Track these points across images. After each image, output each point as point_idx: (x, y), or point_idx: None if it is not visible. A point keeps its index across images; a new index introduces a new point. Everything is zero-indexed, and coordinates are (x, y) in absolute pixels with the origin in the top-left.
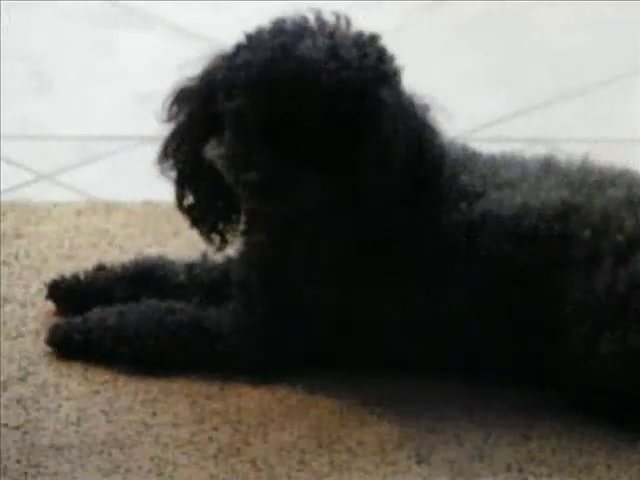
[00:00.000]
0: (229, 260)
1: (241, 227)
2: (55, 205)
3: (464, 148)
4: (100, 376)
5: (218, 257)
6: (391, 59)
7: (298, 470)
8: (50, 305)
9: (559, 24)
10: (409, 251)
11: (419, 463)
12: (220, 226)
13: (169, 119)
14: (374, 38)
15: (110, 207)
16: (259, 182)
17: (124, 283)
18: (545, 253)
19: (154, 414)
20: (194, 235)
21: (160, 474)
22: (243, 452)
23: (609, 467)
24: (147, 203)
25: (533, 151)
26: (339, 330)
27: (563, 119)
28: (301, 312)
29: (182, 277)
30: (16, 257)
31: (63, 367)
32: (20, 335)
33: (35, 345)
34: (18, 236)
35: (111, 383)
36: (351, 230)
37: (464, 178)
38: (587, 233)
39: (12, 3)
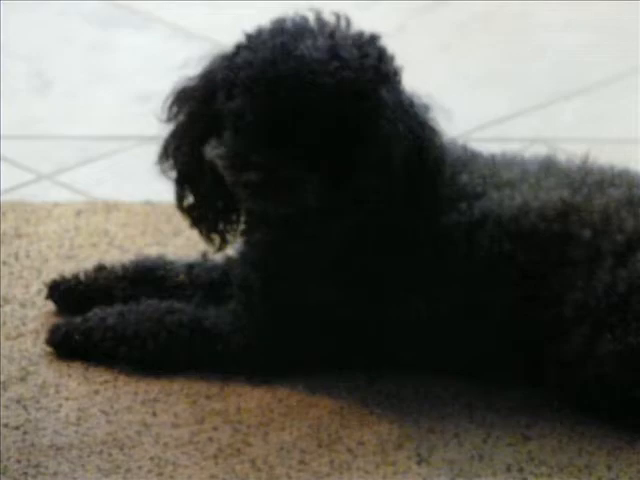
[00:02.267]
0: (229, 260)
1: (241, 227)
2: (55, 205)
3: (464, 148)
4: (100, 376)
5: (218, 257)
6: (391, 59)
7: (298, 470)
8: (50, 305)
9: (559, 24)
10: (409, 251)
11: (419, 463)
12: (220, 226)
13: (169, 119)
14: (374, 38)
15: (110, 207)
16: (259, 182)
17: (124, 283)
18: (545, 253)
19: (154, 414)
20: (194, 235)
21: (160, 474)
22: (243, 452)
23: (609, 467)
24: (147, 203)
25: (533, 151)
26: (339, 330)
27: (563, 119)
28: (301, 312)
29: (182, 277)
30: (16, 257)
31: (63, 367)
32: (20, 335)
33: (35, 345)
34: (18, 236)
35: (111, 383)
36: (351, 230)
37: (464, 178)
38: (587, 233)
39: (12, 3)
